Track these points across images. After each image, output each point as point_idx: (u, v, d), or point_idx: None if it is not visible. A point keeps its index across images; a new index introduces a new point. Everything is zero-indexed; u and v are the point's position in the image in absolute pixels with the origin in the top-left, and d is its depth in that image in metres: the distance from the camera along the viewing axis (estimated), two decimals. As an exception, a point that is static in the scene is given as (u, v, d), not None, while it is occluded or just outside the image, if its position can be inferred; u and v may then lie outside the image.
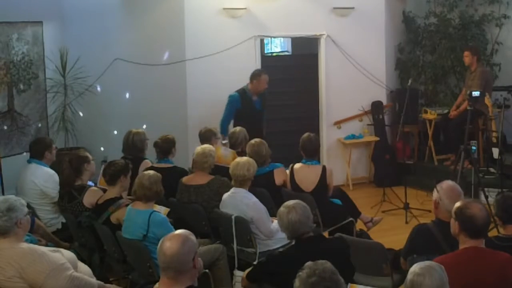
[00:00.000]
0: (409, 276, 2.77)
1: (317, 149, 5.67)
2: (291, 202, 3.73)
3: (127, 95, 8.09)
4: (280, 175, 5.63)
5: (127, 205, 4.61)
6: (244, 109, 6.75)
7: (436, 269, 2.78)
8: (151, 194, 4.39)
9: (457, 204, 3.37)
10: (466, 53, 7.96)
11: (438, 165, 8.39)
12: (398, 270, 4.03)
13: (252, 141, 5.74)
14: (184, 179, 5.36)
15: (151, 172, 4.55)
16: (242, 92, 7.03)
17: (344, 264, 2.82)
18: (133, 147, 5.97)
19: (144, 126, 7.53)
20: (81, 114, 7.76)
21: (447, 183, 3.93)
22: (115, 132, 7.29)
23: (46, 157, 5.64)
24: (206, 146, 5.47)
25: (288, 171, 5.63)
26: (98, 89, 7.93)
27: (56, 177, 5.55)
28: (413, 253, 3.68)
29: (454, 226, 3.35)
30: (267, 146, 5.69)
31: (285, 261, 3.61)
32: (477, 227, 3.27)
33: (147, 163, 5.82)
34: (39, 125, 7.50)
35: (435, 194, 3.90)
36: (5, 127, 7.11)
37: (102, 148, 7.73)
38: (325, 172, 5.47)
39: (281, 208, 3.72)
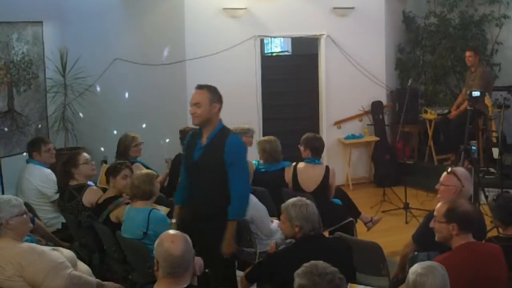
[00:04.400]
0: (411, 276, 2.77)
1: (323, 148, 5.69)
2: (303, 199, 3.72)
3: (127, 95, 8.10)
4: (290, 173, 5.64)
5: (127, 203, 4.63)
6: (185, 153, 4.30)
7: (438, 269, 2.79)
8: (139, 193, 4.40)
9: (442, 207, 3.35)
10: (469, 53, 7.96)
11: (438, 165, 8.38)
12: None
13: (265, 137, 5.81)
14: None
15: (144, 171, 4.60)
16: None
17: (345, 264, 2.83)
18: (117, 150, 5.96)
19: (144, 125, 7.55)
20: (81, 115, 7.76)
21: (461, 170, 4.07)
22: (115, 132, 7.28)
23: (35, 158, 5.68)
24: None
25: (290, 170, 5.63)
26: (98, 89, 7.93)
27: (52, 176, 5.58)
28: (424, 237, 3.63)
29: (447, 229, 3.30)
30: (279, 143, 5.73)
31: (285, 259, 3.60)
32: (473, 219, 3.32)
33: (137, 166, 5.72)
34: (39, 126, 7.49)
35: (455, 182, 3.93)
36: (5, 127, 7.12)
37: (102, 149, 7.71)
38: (328, 172, 5.47)
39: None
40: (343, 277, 2.70)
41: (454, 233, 3.29)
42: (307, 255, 3.05)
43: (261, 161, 5.70)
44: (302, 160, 5.62)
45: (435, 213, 3.40)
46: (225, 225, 3.95)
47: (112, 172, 4.91)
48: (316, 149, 5.55)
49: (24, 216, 3.55)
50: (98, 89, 7.92)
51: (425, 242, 3.63)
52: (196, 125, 4.11)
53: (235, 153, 3.97)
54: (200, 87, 4.16)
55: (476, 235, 3.41)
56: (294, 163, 5.61)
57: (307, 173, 5.49)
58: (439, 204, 3.42)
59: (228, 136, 4.01)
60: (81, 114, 7.78)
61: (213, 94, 4.08)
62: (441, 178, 4.05)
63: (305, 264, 2.71)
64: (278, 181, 5.49)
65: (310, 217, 3.60)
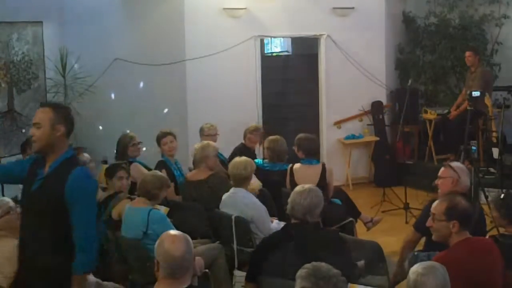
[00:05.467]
0: (412, 276, 2.78)
1: (318, 149, 5.68)
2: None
3: (127, 95, 8.09)
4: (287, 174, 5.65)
5: (128, 198, 4.68)
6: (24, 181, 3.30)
7: (439, 268, 2.79)
8: (143, 191, 4.45)
9: (441, 205, 3.36)
10: (469, 53, 7.97)
11: (438, 165, 8.36)
12: None
13: (272, 137, 5.84)
14: (188, 175, 5.48)
15: (159, 175, 4.62)
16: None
17: (341, 259, 2.87)
18: (116, 149, 5.97)
19: (144, 125, 7.53)
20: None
21: (457, 164, 4.24)
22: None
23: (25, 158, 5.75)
24: (204, 142, 5.56)
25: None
26: (98, 89, 7.94)
27: None
28: (425, 224, 3.66)
29: (447, 227, 3.30)
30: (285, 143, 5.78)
31: (271, 244, 3.72)
32: (472, 216, 3.36)
33: (135, 166, 5.68)
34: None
35: (451, 173, 4.07)
36: (5, 127, 7.12)
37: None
38: (325, 171, 5.46)
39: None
40: (345, 279, 2.71)
41: (454, 230, 3.28)
42: (292, 241, 3.11)
43: (266, 160, 5.73)
44: (298, 160, 5.63)
45: (432, 211, 3.39)
46: (63, 283, 3.04)
47: (108, 173, 5.03)
48: (308, 150, 5.54)
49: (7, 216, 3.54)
50: (98, 89, 7.92)
51: (426, 228, 3.62)
52: (35, 152, 3.26)
53: (79, 189, 3.08)
54: (43, 105, 3.43)
55: (476, 234, 3.42)
56: (290, 165, 5.62)
57: (304, 174, 5.47)
58: (436, 203, 3.43)
59: (74, 167, 3.13)
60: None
61: (57, 114, 3.21)
62: (439, 173, 4.18)
63: (307, 266, 2.70)
64: (282, 180, 5.50)
65: (293, 203, 3.76)
